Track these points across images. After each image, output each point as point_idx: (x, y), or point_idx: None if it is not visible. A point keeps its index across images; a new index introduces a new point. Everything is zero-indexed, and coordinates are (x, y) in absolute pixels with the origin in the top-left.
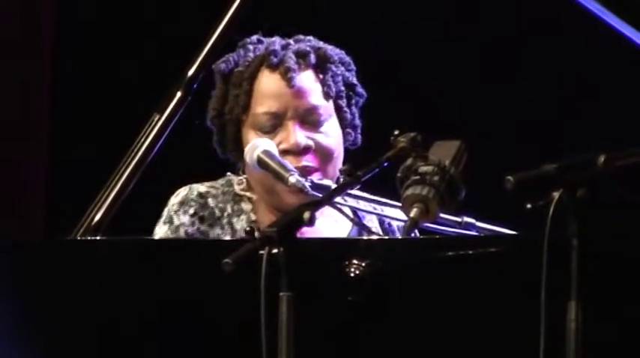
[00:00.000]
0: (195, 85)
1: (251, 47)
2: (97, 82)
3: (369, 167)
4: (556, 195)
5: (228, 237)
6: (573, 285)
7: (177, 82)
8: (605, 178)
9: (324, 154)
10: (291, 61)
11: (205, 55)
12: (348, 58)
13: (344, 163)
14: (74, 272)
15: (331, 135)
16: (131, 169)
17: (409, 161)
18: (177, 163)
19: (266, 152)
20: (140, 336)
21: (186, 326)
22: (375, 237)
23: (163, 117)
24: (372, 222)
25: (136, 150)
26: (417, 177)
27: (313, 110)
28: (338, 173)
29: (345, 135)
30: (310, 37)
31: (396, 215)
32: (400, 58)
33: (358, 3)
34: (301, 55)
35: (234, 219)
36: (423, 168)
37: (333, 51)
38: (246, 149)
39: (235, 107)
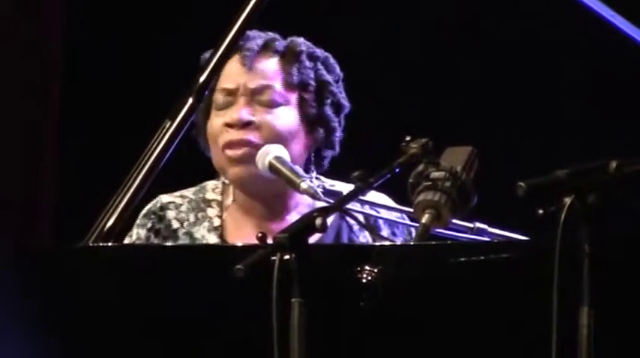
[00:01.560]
0: (206, 92)
1: None
2: (107, 83)
3: (381, 173)
4: (568, 200)
5: None
6: (585, 291)
7: (189, 88)
8: (617, 184)
9: (269, 133)
10: (254, 44)
11: (216, 61)
12: (333, 61)
13: (326, 167)
14: (86, 278)
15: (282, 119)
16: (143, 175)
17: (420, 167)
18: (188, 170)
19: (278, 158)
20: (150, 342)
21: (197, 331)
22: (386, 243)
23: (175, 124)
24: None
25: (147, 157)
26: (429, 183)
27: (264, 89)
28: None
29: (312, 131)
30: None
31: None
32: (408, 61)
33: (358, 4)
34: (268, 42)
35: (195, 228)
36: (435, 174)
37: (312, 47)
38: (258, 154)
39: (208, 94)
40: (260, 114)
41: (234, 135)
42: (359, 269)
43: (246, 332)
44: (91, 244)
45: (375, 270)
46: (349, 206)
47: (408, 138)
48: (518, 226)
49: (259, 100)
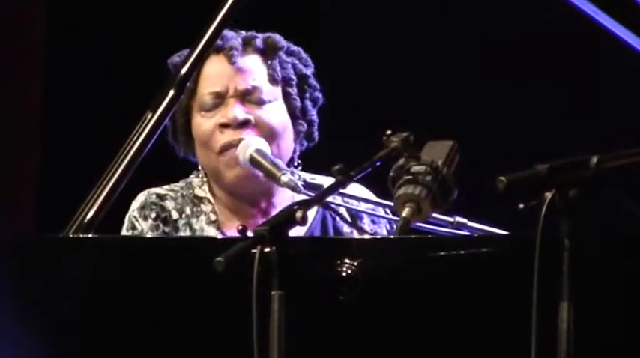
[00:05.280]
0: (187, 84)
1: None
2: (89, 77)
3: (362, 166)
4: (548, 195)
5: None
6: (565, 286)
7: (170, 80)
8: (598, 179)
9: (265, 130)
10: (236, 42)
11: (198, 53)
12: (305, 55)
13: (299, 159)
14: (66, 269)
15: (274, 114)
16: (123, 167)
17: (401, 161)
18: (169, 162)
19: (259, 151)
20: (129, 334)
21: (177, 324)
22: (367, 236)
23: (156, 116)
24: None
25: (128, 149)
26: (410, 177)
27: (254, 90)
28: (287, 158)
29: (295, 125)
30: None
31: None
32: (391, 58)
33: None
34: (248, 40)
35: (193, 220)
36: (416, 168)
37: (287, 43)
38: (239, 147)
39: (184, 96)
40: (253, 111)
41: (231, 136)
42: (339, 262)
43: (227, 325)
44: (71, 235)
45: (355, 263)
46: (331, 199)
47: (389, 132)
48: (499, 221)
49: (250, 99)
